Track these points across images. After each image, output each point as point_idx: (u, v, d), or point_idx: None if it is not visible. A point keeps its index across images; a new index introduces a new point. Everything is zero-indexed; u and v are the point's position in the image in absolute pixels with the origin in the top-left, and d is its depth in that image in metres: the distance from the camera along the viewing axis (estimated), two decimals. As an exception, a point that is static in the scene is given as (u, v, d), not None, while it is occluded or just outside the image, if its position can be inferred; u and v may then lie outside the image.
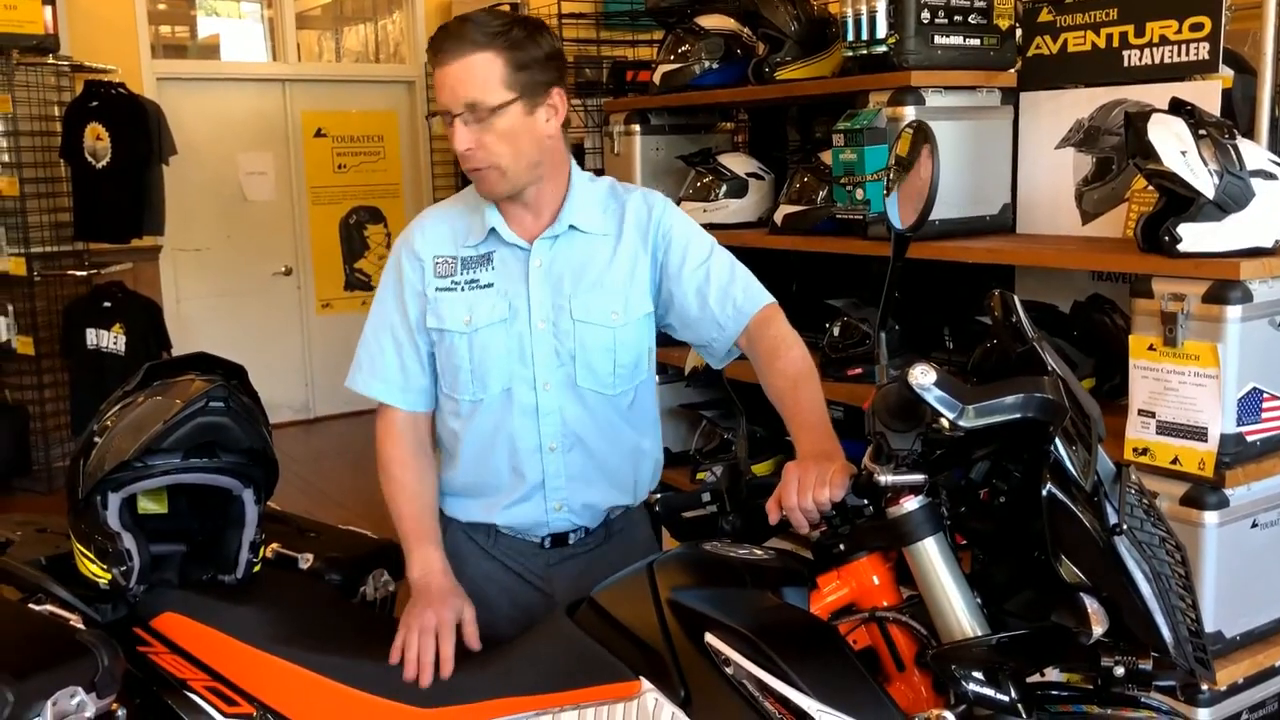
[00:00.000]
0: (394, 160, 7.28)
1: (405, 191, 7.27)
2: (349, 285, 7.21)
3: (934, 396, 1.27)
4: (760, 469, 3.51)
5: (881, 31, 2.93)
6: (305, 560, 2.06)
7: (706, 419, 3.82)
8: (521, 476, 1.89)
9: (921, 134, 1.62)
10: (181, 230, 6.35)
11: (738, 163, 3.70)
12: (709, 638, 1.44)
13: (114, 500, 1.76)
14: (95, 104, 5.68)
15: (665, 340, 3.90)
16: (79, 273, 5.85)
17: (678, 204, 3.61)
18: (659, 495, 1.95)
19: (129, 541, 1.77)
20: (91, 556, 1.77)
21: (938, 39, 2.91)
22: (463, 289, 1.88)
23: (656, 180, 3.94)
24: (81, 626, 1.71)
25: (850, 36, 3.00)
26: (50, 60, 5.76)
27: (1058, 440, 1.28)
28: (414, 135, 7.26)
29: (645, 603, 1.53)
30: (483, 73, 1.73)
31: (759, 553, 1.62)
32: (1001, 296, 1.43)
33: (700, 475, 3.71)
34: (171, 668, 1.78)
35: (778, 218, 3.34)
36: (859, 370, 3.15)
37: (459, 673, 1.65)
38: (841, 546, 1.52)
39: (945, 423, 1.31)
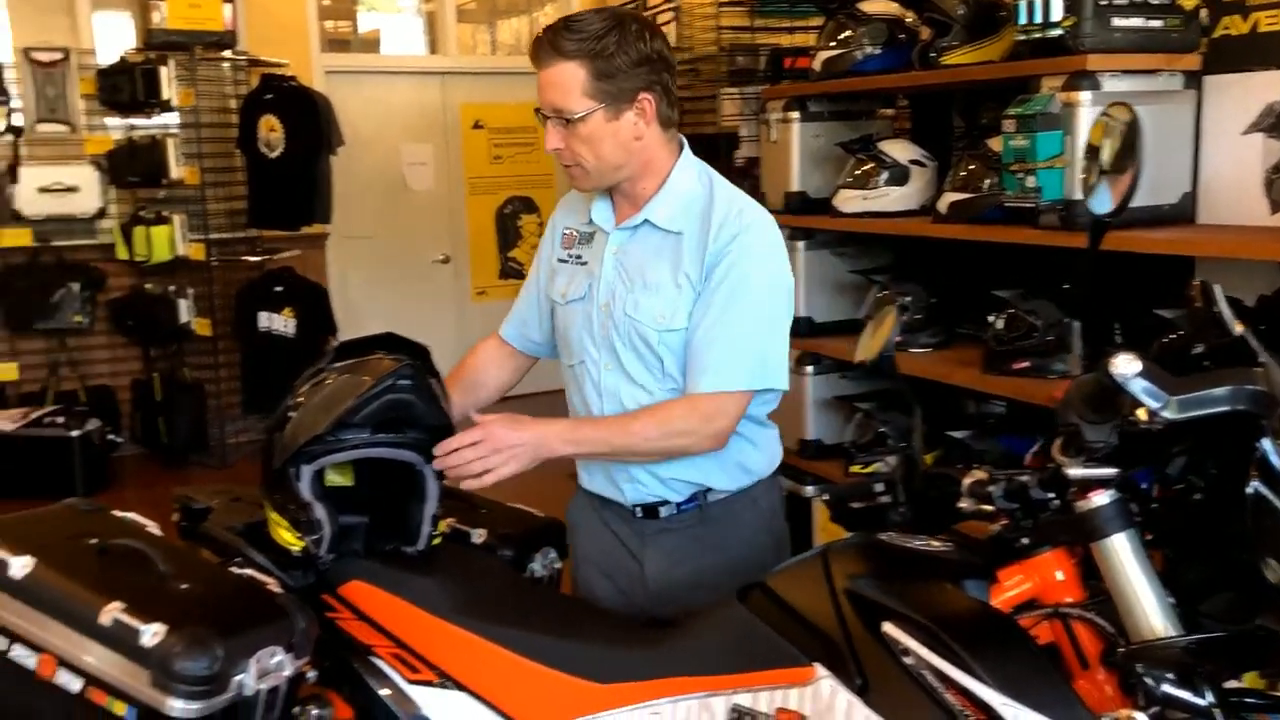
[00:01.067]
0: (548, 151, 7.40)
1: (557, 181, 7.38)
2: (503, 274, 7.38)
3: (1139, 387, 1.24)
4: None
5: (1057, 14, 2.83)
6: (479, 535, 2.13)
7: (862, 411, 3.78)
8: None
9: (1126, 116, 1.56)
10: (347, 218, 6.58)
11: (899, 149, 3.64)
12: (886, 627, 1.43)
13: (306, 472, 1.83)
14: (270, 97, 5.93)
15: (817, 330, 3.91)
16: (252, 258, 6.12)
17: (835, 191, 3.66)
18: (827, 485, 1.95)
19: (320, 512, 1.84)
20: (285, 525, 1.86)
21: (1116, 20, 2.80)
22: (571, 263, 2.05)
23: (814, 167, 3.91)
24: (278, 590, 1.80)
25: (1023, 19, 2.91)
26: (228, 55, 6.05)
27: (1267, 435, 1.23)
28: (567, 126, 7.36)
29: (820, 590, 1.53)
30: (566, 82, 1.84)
31: (935, 544, 1.60)
32: (1203, 286, 1.38)
33: (854, 468, 3.67)
34: (358, 634, 1.85)
35: (942, 205, 3.28)
36: (1026, 364, 3.06)
37: (633, 650, 1.68)
38: (1024, 540, 1.49)
39: (1143, 414, 1.27)
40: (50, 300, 5.86)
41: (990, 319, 3.18)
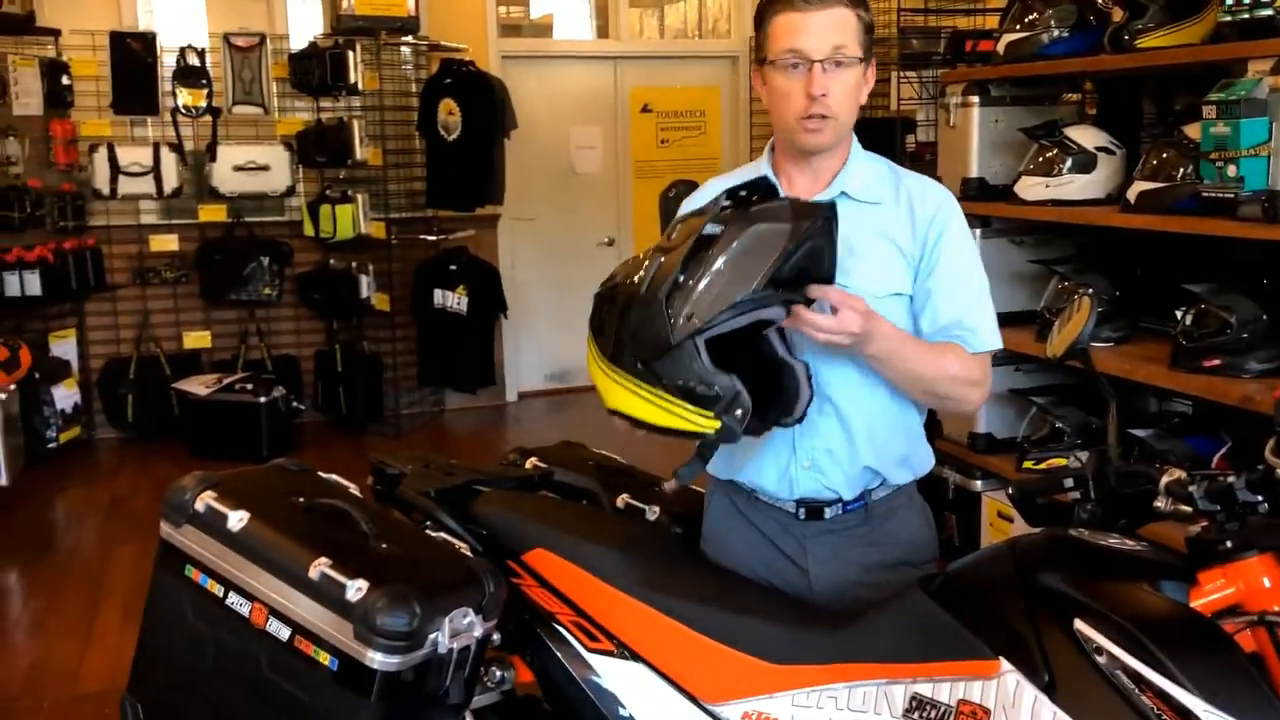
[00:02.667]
0: (714, 134, 7.41)
1: (724, 165, 7.38)
2: (665, 256, 7.42)
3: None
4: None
5: (1269, -8, 2.69)
6: (652, 512, 2.16)
7: (1037, 406, 3.67)
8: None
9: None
10: (517, 200, 6.74)
11: (1086, 136, 3.51)
12: (1079, 624, 1.40)
13: (703, 344, 1.59)
14: (449, 81, 6.13)
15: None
16: (429, 237, 6.33)
17: (1017, 178, 3.56)
18: (1013, 479, 1.91)
19: (732, 379, 1.60)
20: (689, 409, 1.63)
21: (1336, 0, 2.64)
22: None
23: (994, 154, 3.81)
24: (469, 555, 1.87)
25: (1229, -1, 2.78)
26: (410, 40, 6.28)
27: None
28: (735, 109, 7.37)
29: (1008, 584, 1.51)
30: (849, 27, 1.83)
31: (1130, 543, 1.55)
32: None
33: (1027, 464, 3.56)
34: (541, 600, 1.91)
35: (1131, 195, 3.15)
36: (1217, 361, 2.93)
37: (811, 633, 1.69)
38: (1229, 543, 1.44)
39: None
40: (242, 273, 6.21)
41: (1179, 314, 3.05)
